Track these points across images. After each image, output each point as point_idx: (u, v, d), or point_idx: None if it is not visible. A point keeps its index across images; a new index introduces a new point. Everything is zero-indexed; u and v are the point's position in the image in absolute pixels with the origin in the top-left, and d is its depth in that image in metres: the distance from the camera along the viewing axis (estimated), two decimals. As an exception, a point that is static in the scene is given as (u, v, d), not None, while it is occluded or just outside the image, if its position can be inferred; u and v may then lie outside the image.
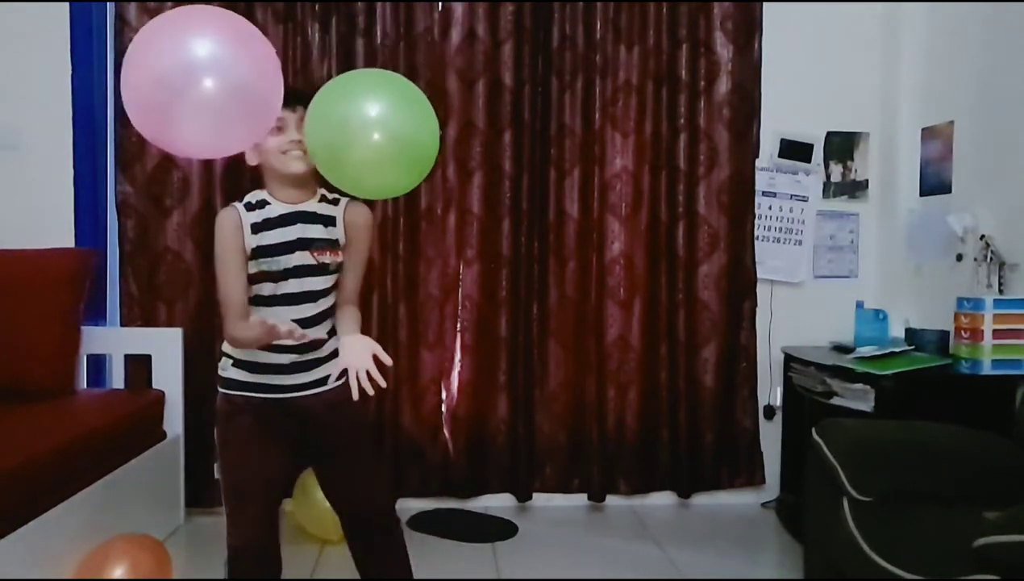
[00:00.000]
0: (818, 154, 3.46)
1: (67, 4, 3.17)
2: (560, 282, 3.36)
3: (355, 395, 1.71)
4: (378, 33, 3.24)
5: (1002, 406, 2.51)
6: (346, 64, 3.22)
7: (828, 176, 3.48)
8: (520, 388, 3.34)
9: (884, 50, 3.44)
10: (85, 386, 3.08)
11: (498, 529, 3.14)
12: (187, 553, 2.80)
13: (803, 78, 3.42)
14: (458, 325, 3.36)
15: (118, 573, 2.17)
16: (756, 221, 3.43)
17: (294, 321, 1.77)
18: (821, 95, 3.45)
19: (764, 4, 3.38)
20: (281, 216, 1.81)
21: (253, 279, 1.81)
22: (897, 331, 3.16)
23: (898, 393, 2.59)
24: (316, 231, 1.82)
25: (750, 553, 3.00)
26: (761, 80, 3.40)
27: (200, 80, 1.51)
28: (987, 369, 2.58)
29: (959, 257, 2.93)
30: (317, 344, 1.86)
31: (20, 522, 2.08)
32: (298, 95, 1.80)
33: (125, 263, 3.19)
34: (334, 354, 1.87)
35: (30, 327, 2.80)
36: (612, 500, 3.43)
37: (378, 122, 1.62)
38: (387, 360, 1.74)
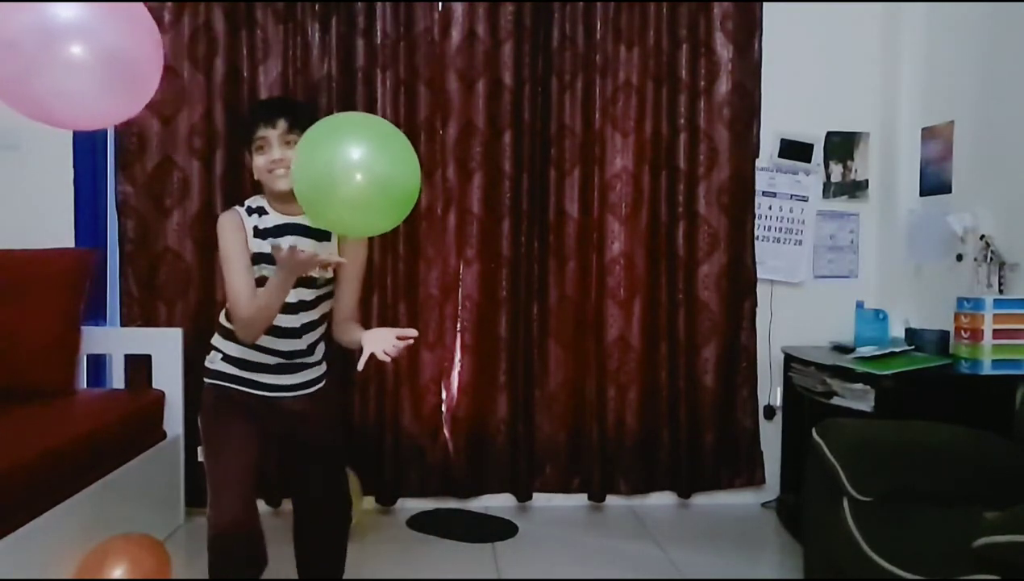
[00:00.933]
0: (818, 154, 3.46)
1: (67, 4, 3.17)
2: (560, 282, 3.36)
3: (360, 367, 1.85)
4: (378, 33, 3.24)
5: (1002, 406, 2.51)
6: (346, 64, 3.22)
7: (828, 176, 3.48)
8: (520, 388, 3.34)
9: (884, 50, 3.44)
10: (85, 386, 3.09)
11: (498, 529, 3.14)
12: (187, 553, 2.80)
13: (803, 78, 3.42)
14: (458, 325, 3.36)
15: (118, 573, 2.17)
16: (756, 221, 3.42)
17: (284, 328, 1.89)
18: (821, 95, 3.45)
19: (764, 4, 3.38)
20: (277, 226, 1.87)
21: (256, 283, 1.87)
22: (897, 331, 3.16)
23: (898, 393, 2.59)
24: (307, 245, 1.84)
25: (750, 553, 3.00)
26: (761, 80, 3.40)
27: (60, 46, 1.36)
28: (987, 369, 2.57)
29: (959, 257, 2.93)
30: (303, 353, 1.96)
31: (20, 522, 2.08)
32: (277, 108, 1.87)
33: (125, 263, 3.19)
34: (321, 362, 2.04)
35: (30, 327, 2.79)
36: (612, 500, 3.43)
37: (361, 164, 1.60)
38: (412, 332, 1.87)
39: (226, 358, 1.94)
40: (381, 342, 1.85)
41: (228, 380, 1.93)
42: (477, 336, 3.34)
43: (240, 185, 3.20)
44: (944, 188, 3.06)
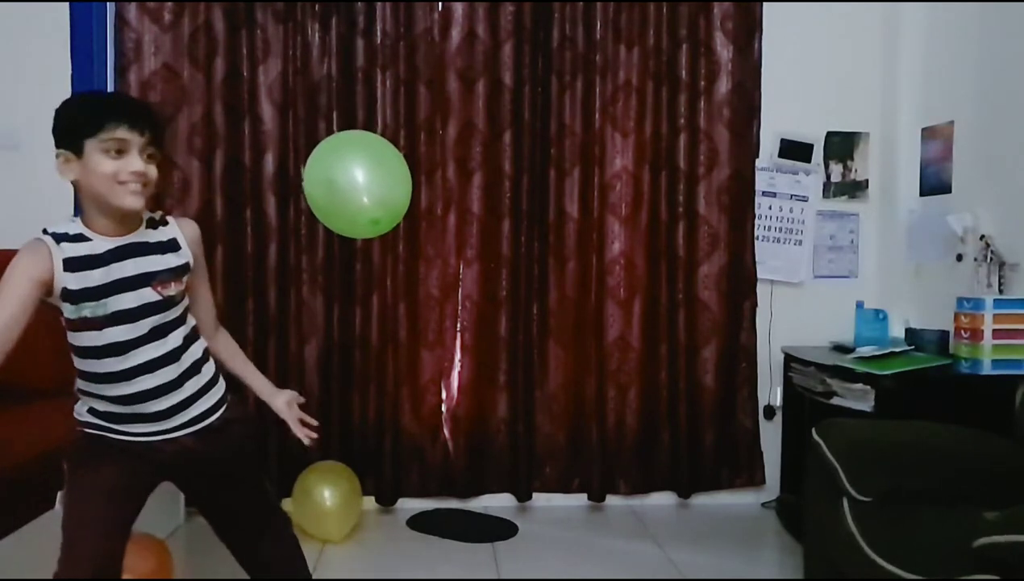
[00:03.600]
0: (818, 154, 3.46)
1: (67, 4, 3.17)
2: (560, 282, 3.36)
3: (306, 441, 1.81)
4: (378, 33, 3.24)
5: (1002, 406, 2.51)
6: (346, 64, 3.22)
7: (828, 176, 3.48)
8: (520, 388, 3.34)
9: (884, 50, 3.44)
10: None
11: (498, 529, 3.14)
12: (187, 553, 2.80)
13: (803, 78, 3.42)
14: (458, 325, 3.36)
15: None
16: (756, 221, 3.42)
17: (141, 366, 1.57)
18: (821, 95, 3.45)
19: (764, 4, 3.38)
20: (108, 251, 1.54)
21: (72, 326, 1.55)
22: (897, 331, 3.16)
23: (898, 393, 2.59)
24: (155, 262, 1.58)
25: (750, 553, 2.99)
26: (761, 80, 3.40)
27: None
28: (987, 369, 2.57)
29: (959, 257, 2.93)
30: (189, 374, 1.66)
31: (20, 522, 2.08)
32: (144, 113, 1.55)
33: (125, 263, 3.18)
34: (211, 382, 1.71)
35: (30, 327, 2.79)
36: (612, 500, 3.43)
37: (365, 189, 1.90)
38: (312, 421, 1.84)
39: (94, 411, 1.63)
40: (298, 416, 1.84)
41: (100, 429, 1.63)
42: (477, 336, 3.34)
43: (240, 185, 3.20)
44: (944, 188, 3.06)
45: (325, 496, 2.93)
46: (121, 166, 1.50)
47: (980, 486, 2.10)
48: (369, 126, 3.23)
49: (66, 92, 3.14)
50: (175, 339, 1.63)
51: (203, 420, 1.68)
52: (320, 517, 2.93)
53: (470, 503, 3.38)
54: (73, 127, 1.51)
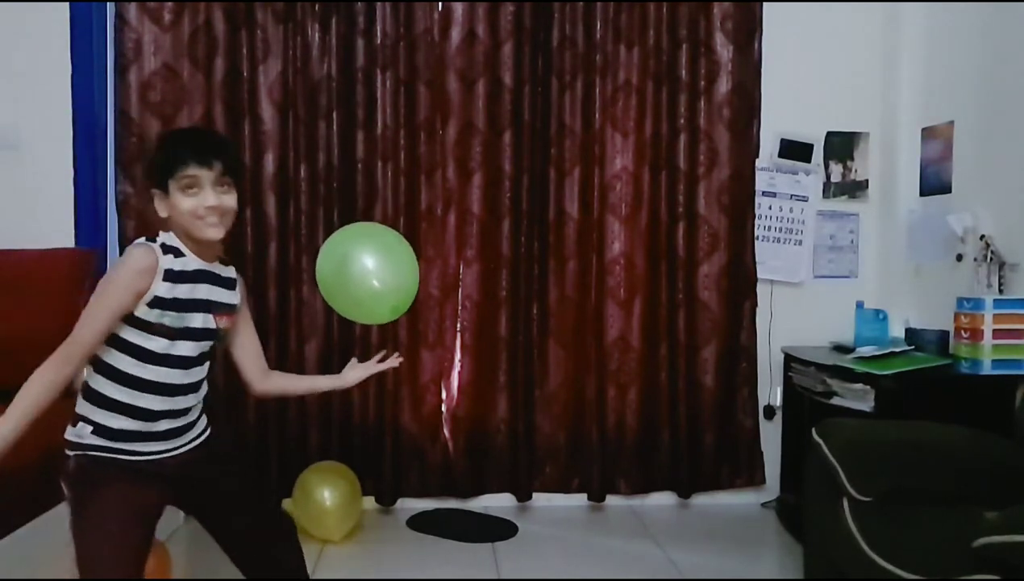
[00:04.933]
0: (818, 154, 3.46)
1: (67, 4, 3.17)
2: (560, 282, 3.36)
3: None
4: (378, 33, 3.24)
5: (1002, 406, 2.51)
6: (346, 64, 3.22)
7: (828, 176, 3.48)
8: (520, 388, 3.34)
9: (884, 50, 3.44)
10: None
11: (498, 529, 3.14)
12: (187, 553, 2.80)
13: (803, 78, 3.42)
14: (458, 325, 3.36)
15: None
16: (756, 221, 3.42)
17: (177, 385, 1.64)
18: (821, 95, 3.44)
19: (764, 4, 3.38)
20: (196, 271, 1.65)
21: (148, 329, 1.59)
22: (897, 331, 3.16)
23: (898, 393, 2.59)
24: (220, 294, 1.71)
25: (750, 553, 3.00)
26: (761, 80, 3.40)
27: None
28: (987, 369, 2.57)
29: (959, 257, 2.93)
30: (196, 406, 1.75)
31: (20, 522, 2.08)
32: (212, 147, 1.63)
33: (125, 263, 3.18)
34: (204, 403, 1.79)
35: (30, 327, 2.79)
36: (612, 500, 3.43)
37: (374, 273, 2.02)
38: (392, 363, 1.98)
39: (98, 430, 1.62)
40: (358, 371, 1.97)
41: (103, 451, 1.62)
42: (477, 336, 3.34)
43: (240, 185, 3.19)
44: (944, 188, 3.06)
45: (325, 496, 2.93)
46: (198, 203, 1.60)
47: (980, 486, 2.10)
48: (369, 126, 3.23)
49: (66, 92, 3.16)
50: (205, 369, 1.73)
51: (199, 438, 1.77)
52: (320, 517, 2.93)
53: (470, 503, 3.38)
54: (156, 168, 1.64)
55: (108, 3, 3.20)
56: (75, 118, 3.19)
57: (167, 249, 1.62)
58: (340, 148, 3.24)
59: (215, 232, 1.62)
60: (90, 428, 1.62)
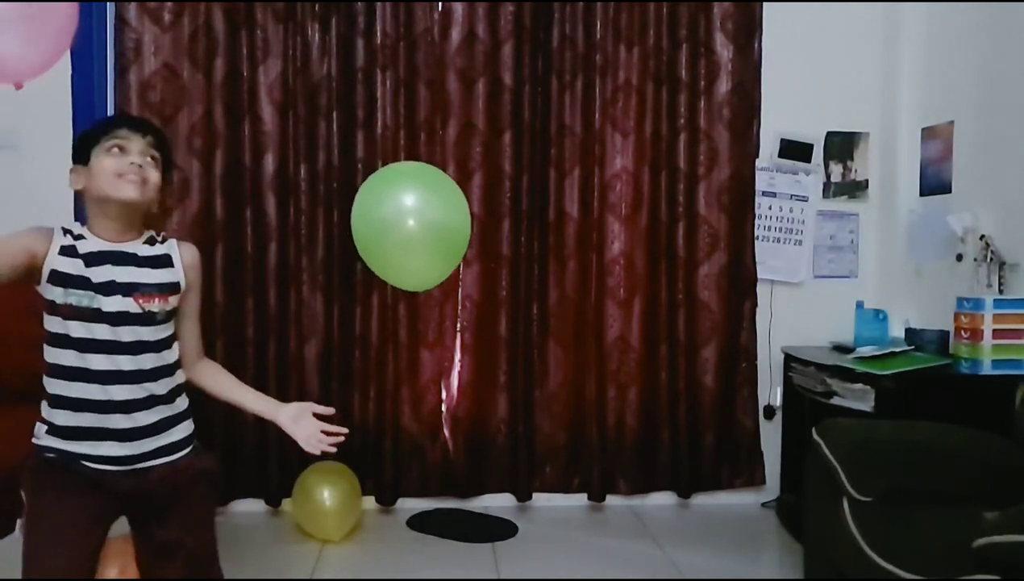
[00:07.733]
0: (818, 154, 3.46)
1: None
2: (560, 282, 3.36)
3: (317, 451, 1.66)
4: (378, 33, 3.24)
5: (1002, 406, 2.50)
6: (346, 64, 3.22)
7: (828, 176, 3.48)
8: (520, 388, 3.34)
9: (884, 50, 3.44)
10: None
11: (498, 529, 3.14)
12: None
13: (803, 78, 3.42)
14: (458, 325, 3.36)
15: (115, 573, 2.17)
16: (756, 221, 3.42)
17: (108, 372, 1.56)
18: (821, 95, 3.44)
19: (764, 4, 3.38)
20: (97, 253, 1.58)
21: (56, 310, 1.57)
22: (897, 331, 3.16)
23: (898, 393, 2.59)
24: (141, 274, 1.60)
25: (750, 553, 3.00)
26: (761, 80, 3.40)
27: None
28: (987, 369, 2.57)
29: (959, 257, 2.93)
30: (161, 400, 1.63)
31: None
32: (147, 124, 1.66)
33: (125, 263, 3.18)
34: (183, 416, 1.68)
35: (30, 327, 2.79)
36: (612, 500, 3.43)
37: (413, 210, 1.89)
38: (341, 430, 1.69)
39: (53, 430, 1.59)
40: (306, 432, 1.67)
41: (62, 453, 1.59)
42: (477, 336, 3.34)
43: (240, 185, 3.20)
44: (944, 188, 3.06)
45: (325, 496, 2.93)
46: (122, 160, 1.57)
47: (980, 486, 2.10)
48: (369, 126, 3.23)
49: (66, 92, 3.16)
50: (152, 359, 1.61)
51: (170, 453, 1.64)
52: (320, 517, 2.93)
53: (470, 503, 3.38)
54: (82, 142, 1.61)
55: (108, 3, 3.19)
56: (75, 118, 3.19)
57: (66, 231, 1.60)
58: (340, 148, 3.24)
59: (132, 190, 1.55)
60: (45, 428, 1.61)
